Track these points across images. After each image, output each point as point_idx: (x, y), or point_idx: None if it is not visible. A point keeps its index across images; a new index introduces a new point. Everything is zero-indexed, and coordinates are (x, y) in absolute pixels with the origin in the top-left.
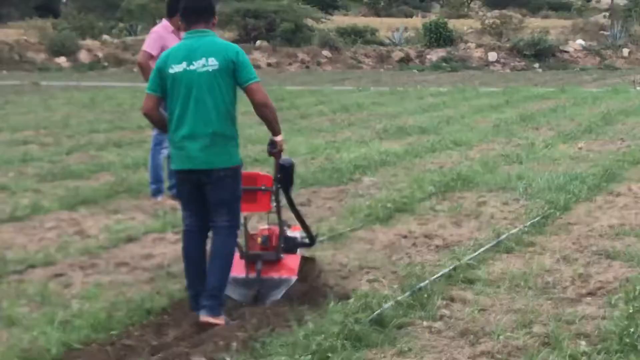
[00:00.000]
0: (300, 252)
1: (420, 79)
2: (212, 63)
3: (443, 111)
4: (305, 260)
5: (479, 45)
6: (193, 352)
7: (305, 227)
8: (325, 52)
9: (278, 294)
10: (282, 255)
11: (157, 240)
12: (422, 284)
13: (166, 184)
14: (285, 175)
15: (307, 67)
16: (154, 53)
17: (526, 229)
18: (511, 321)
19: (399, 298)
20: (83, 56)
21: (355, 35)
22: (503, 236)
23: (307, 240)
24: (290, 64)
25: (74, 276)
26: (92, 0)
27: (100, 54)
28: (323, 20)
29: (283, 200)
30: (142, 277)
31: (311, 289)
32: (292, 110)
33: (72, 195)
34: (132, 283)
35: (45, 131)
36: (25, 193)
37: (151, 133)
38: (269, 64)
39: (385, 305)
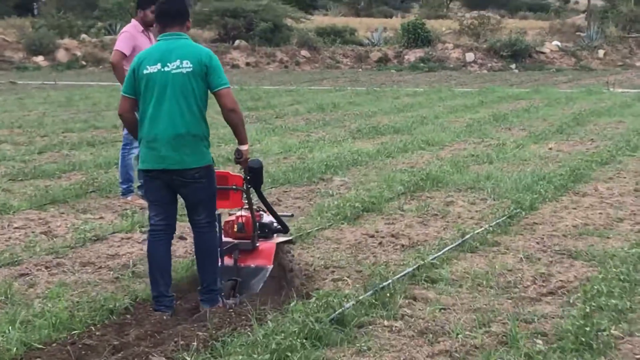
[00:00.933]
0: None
1: (398, 79)
2: (187, 65)
3: (418, 111)
4: (281, 245)
5: (456, 46)
6: (153, 351)
7: (278, 219)
8: (304, 52)
9: (257, 284)
10: (257, 244)
11: (124, 240)
12: (384, 284)
13: (136, 183)
14: (254, 175)
15: (286, 67)
16: (127, 52)
17: (491, 228)
18: (471, 320)
19: (361, 297)
20: (61, 55)
21: (335, 35)
22: (468, 236)
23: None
24: (268, 63)
25: (39, 275)
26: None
27: (78, 53)
28: (302, 20)
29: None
30: (107, 276)
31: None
32: (268, 110)
33: (42, 194)
34: (97, 282)
35: (19, 130)
36: None
37: (122, 133)
38: (247, 64)
39: (347, 305)
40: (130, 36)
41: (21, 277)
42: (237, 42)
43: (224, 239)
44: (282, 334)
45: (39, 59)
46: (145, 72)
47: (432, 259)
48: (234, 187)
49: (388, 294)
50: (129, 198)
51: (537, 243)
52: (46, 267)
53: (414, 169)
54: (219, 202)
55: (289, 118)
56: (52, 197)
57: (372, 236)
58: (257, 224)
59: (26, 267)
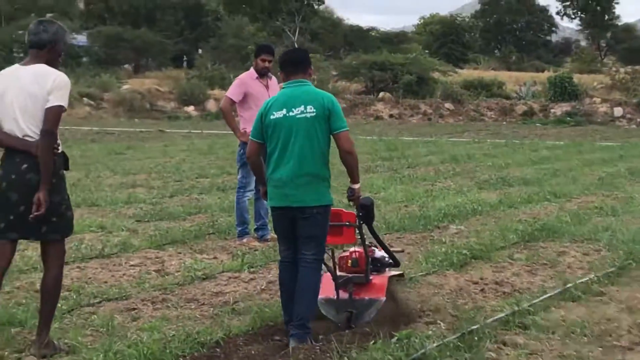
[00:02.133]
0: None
1: (542, 133)
2: (310, 110)
3: (553, 164)
4: (393, 278)
5: (604, 100)
6: None
7: (390, 254)
8: (448, 105)
9: (370, 315)
10: (370, 277)
11: (232, 279)
12: (472, 327)
13: (252, 226)
14: (366, 213)
15: (429, 119)
16: (235, 99)
17: (597, 278)
18: None
19: (446, 340)
20: (211, 105)
21: (482, 88)
22: (570, 284)
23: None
24: (412, 115)
25: (144, 310)
26: (226, 53)
27: None
28: (450, 73)
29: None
30: (207, 312)
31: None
32: (401, 160)
33: (162, 235)
34: (197, 318)
35: (156, 175)
36: (121, 232)
37: (237, 177)
38: (391, 115)
39: (429, 346)
40: (241, 83)
41: (127, 311)
42: (381, 94)
43: (339, 273)
44: None
45: (190, 108)
46: (272, 117)
47: (527, 306)
48: (347, 223)
49: (476, 338)
50: (245, 240)
51: None
52: (152, 302)
53: (532, 220)
54: (333, 238)
55: (420, 168)
56: (172, 238)
57: (476, 283)
58: (370, 258)
59: (133, 301)
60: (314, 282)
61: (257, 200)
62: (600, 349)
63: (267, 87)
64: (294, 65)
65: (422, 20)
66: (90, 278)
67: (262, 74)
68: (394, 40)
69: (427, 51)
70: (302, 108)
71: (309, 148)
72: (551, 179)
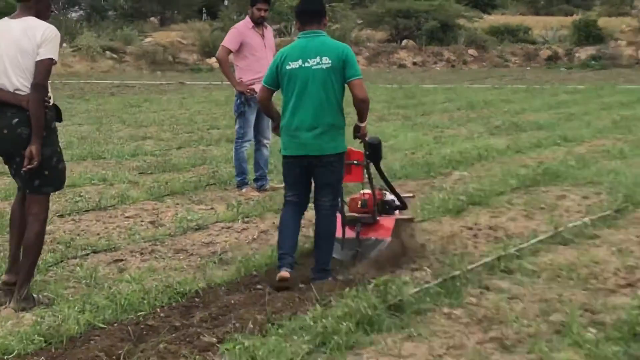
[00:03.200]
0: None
1: (566, 78)
2: (326, 61)
3: (570, 108)
4: (401, 222)
5: (630, 43)
6: (206, 332)
7: (396, 194)
8: (472, 51)
9: (375, 254)
10: (377, 218)
11: (224, 229)
12: (455, 273)
13: (251, 176)
14: (373, 151)
15: (453, 66)
16: (232, 48)
17: (590, 221)
18: (534, 310)
19: (426, 286)
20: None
21: (509, 34)
22: (561, 228)
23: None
24: (435, 62)
25: (131, 261)
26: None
27: None
28: (475, 19)
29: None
30: (195, 263)
31: (406, 248)
32: (417, 107)
33: (162, 186)
34: (183, 268)
35: (168, 127)
36: (121, 185)
37: (235, 128)
38: (414, 63)
39: (408, 292)
40: (238, 32)
41: (114, 262)
42: (404, 41)
43: (348, 213)
44: (329, 318)
45: (212, 60)
46: (287, 67)
47: (514, 250)
48: (355, 162)
49: (458, 283)
50: (244, 190)
51: (638, 237)
52: (140, 254)
53: (535, 165)
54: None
55: (434, 115)
56: (170, 189)
57: (470, 228)
58: (379, 201)
59: (121, 253)
60: (332, 228)
61: (256, 151)
62: (584, 292)
63: (262, 36)
64: (309, 16)
65: None
66: (83, 230)
67: (258, 22)
68: None
69: None
70: (317, 59)
71: (325, 98)
72: (565, 124)
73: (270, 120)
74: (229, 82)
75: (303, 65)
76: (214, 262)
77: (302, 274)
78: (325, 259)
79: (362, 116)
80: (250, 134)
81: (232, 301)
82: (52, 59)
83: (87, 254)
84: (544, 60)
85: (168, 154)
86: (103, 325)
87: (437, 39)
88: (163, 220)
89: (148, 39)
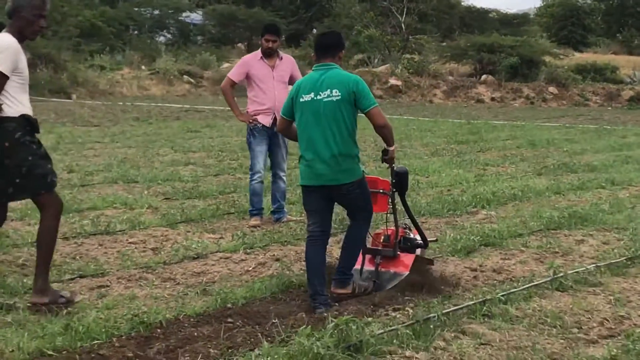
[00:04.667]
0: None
1: None
2: (336, 94)
3: (634, 151)
4: (421, 260)
5: None
6: None
7: (418, 228)
8: (552, 89)
9: (390, 286)
10: (398, 252)
11: (223, 259)
12: (431, 315)
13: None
14: (400, 181)
15: (532, 103)
16: (236, 79)
17: (593, 268)
18: (502, 358)
19: (395, 327)
20: None
21: (595, 72)
22: (561, 274)
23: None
24: (514, 99)
25: (115, 287)
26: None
27: None
28: (561, 56)
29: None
30: (177, 292)
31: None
32: (477, 144)
33: (179, 213)
34: (164, 297)
35: (215, 154)
36: (142, 210)
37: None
38: (492, 99)
39: (370, 332)
40: (243, 63)
41: (97, 288)
42: (483, 76)
43: (370, 247)
44: (278, 357)
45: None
46: (301, 100)
47: (503, 294)
48: (381, 190)
49: (432, 326)
50: (252, 220)
51: None
52: (128, 280)
53: (564, 207)
54: None
55: (490, 152)
56: (187, 216)
57: (474, 270)
58: (402, 237)
59: (108, 279)
60: (362, 235)
61: (273, 183)
62: (562, 341)
63: (273, 67)
64: (323, 49)
65: (544, 3)
66: (79, 254)
67: (267, 54)
68: (514, 22)
69: (544, 34)
70: (328, 92)
71: (336, 130)
72: (620, 166)
73: (285, 152)
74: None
75: (315, 98)
76: (196, 293)
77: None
78: (349, 262)
79: (387, 141)
80: (258, 166)
81: (195, 334)
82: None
83: (73, 278)
84: (626, 101)
85: (202, 181)
86: (52, 353)
87: (522, 75)
88: (166, 247)
89: (226, 64)
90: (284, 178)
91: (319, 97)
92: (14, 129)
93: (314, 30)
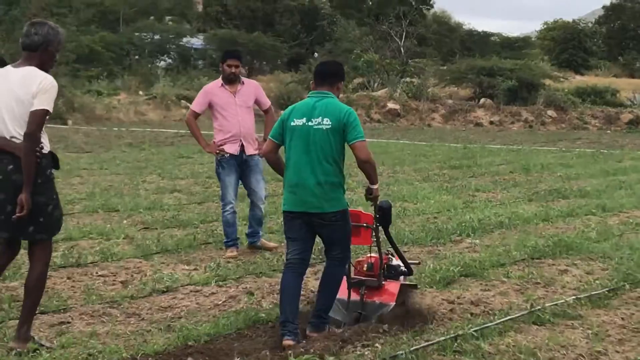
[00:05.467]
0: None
1: None
2: (327, 122)
3: (628, 176)
4: (405, 287)
5: None
6: None
7: (403, 259)
8: (550, 112)
9: (377, 316)
10: (383, 282)
11: (193, 292)
12: (399, 352)
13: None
14: (383, 215)
15: (530, 126)
16: (197, 110)
17: (572, 301)
18: None
19: None
20: None
21: (595, 95)
22: (538, 307)
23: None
24: (513, 122)
25: (76, 324)
26: (340, 57)
27: None
28: (561, 79)
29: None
30: (140, 329)
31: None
32: (470, 169)
33: (155, 243)
34: (126, 335)
35: (202, 181)
36: (118, 240)
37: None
38: (491, 122)
39: None
40: (204, 93)
41: (57, 325)
42: (482, 100)
43: (354, 275)
44: None
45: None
46: (292, 124)
47: (474, 329)
48: (364, 224)
49: None
50: (228, 252)
51: (622, 320)
52: (91, 316)
53: (550, 235)
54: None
55: (483, 178)
56: (162, 247)
57: (452, 302)
58: (385, 265)
59: (70, 315)
60: (338, 277)
61: (250, 210)
62: None
63: (234, 93)
64: (321, 78)
65: (545, 26)
66: (46, 289)
67: (230, 80)
68: (515, 45)
69: (545, 57)
70: (319, 119)
71: (323, 158)
72: (612, 192)
73: (261, 177)
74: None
75: (306, 124)
76: (159, 329)
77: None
78: (326, 305)
79: (370, 178)
80: (229, 197)
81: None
82: (46, 110)
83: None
84: (625, 124)
85: (184, 209)
86: None
87: (522, 98)
88: (135, 280)
89: None
90: (262, 207)
91: (310, 123)
92: (46, 165)
93: (315, 55)
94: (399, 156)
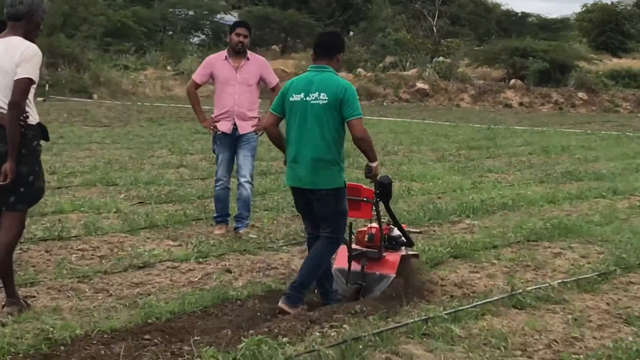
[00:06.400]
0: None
1: None
2: (323, 97)
3: None
4: (406, 258)
5: None
6: None
7: (403, 233)
8: (581, 94)
9: (379, 290)
10: (384, 253)
11: (170, 268)
12: (360, 334)
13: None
14: (383, 190)
15: (561, 108)
16: (198, 80)
17: (554, 284)
18: None
19: (319, 348)
20: None
21: (629, 78)
22: (519, 290)
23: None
24: (543, 104)
25: (40, 299)
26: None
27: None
28: (595, 62)
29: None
30: (105, 305)
31: (409, 286)
32: (488, 150)
33: (144, 219)
34: (89, 310)
35: (211, 157)
36: (108, 214)
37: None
38: (521, 104)
39: (284, 355)
40: (207, 64)
41: (23, 299)
42: (512, 81)
43: (355, 246)
44: None
45: None
46: (291, 99)
47: (447, 312)
48: (364, 199)
49: (361, 346)
50: (217, 230)
51: (607, 305)
52: (58, 291)
53: (549, 217)
54: (351, 212)
55: (500, 159)
56: (151, 222)
57: (436, 284)
58: (386, 236)
59: (37, 289)
60: (323, 256)
61: (237, 188)
62: None
63: (237, 68)
64: (322, 50)
65: (584, 8)
66: (20, 262)
67: (237, 50)
68: (553, 27)
69: (583, 39)
70: (316, 94)
71: (319, 134)
72: (629, 175)
73: (250, 157)
74: None
75: (304, 99)
76: (125, 306)
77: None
78: (305, 280)
79: (368, 156)
80: (220, 173)
81: (102, 352)
82: (29, 79)
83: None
84: None
85: (186, 184)
86: None
87: (552, 79)
88: (115, 255)
89: None
90: (247, 186)
91: (307, 98)
92: (32, 137)
93: (350, 33)
94: (419, 136)
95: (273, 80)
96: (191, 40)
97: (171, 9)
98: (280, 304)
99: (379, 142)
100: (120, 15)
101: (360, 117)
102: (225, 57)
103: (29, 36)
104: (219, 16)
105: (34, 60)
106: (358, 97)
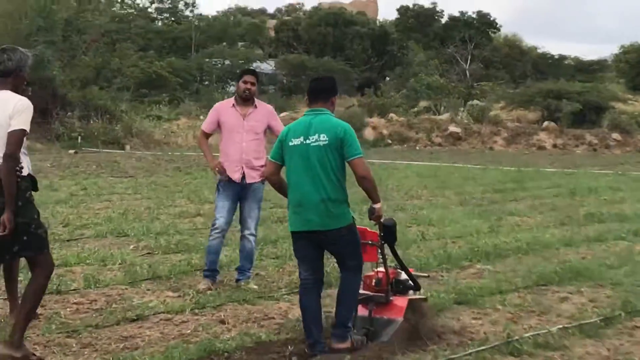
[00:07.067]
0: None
1: None
2: (323, 139)
3: None
4: (413, 302)
5: None
6: None
7: (410, 276)
8: (615, 135)
9: (387, 334)
10: (391, 297)
11: (163, 321)
12: None
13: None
14: (388, 233)
15: (595, 149)
16: (206, 129)
17: (554, 330)
18: None
19: None
20: (368, 133)
21: None
22: (516, 337)
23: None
24: (577, 146)
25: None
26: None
27: (385, 132)
28: (631, 102)
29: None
30: None
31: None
32: (513, 193)
33: (146, 270)
34: None
35: None
36: (113, 266)
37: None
38: (554, 146)
39: None
40: (214, 112)
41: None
42: (545, 123)
43: (362, 291)
44: None
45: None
46: (290, 144)
47: None
48: (369, 242)
49: None
50: (203, 285)
51: (608, 350)
52: (45, 347)
53: (566, 261)
54: None
55: (522, 202)
56: (154, 273)
57: (435, 331)
58: (393, 280)
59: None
60: (355, 286)
61: (240, 242)
62: None
63: (244, 116)
64: (314, 94)
65: (622, 49)
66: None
67: (245, 97)
68: (589, 68)
69: (621, 80)
70: (316, 137)
71: (323, 174)
72: None
73: (257, 210)
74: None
75: (304, 142)
76: None
77: None
78: (347, 315)
79: (371, 196)
80: (219, 222)
81: None
82: (23, 130)
83: None
84: None
85: (196, 234)
86: None
87: (586, 121)
88: (110, 308)
89: (284, 113)
90: (252, 239)
91: (307, 141)
92: (26, 188)
93: (387, 79)
94: (446, 179)
95: (280, 128)
96: (227, 89)
97: (207, 59)
98: (333, 345)
99: (403, 187)
100: (156, 66)
101: (362, 156)
102: (233, 104)
103: (15, 90)
104: (254, 65)
105: (26, 112)
106: (390, 142)
